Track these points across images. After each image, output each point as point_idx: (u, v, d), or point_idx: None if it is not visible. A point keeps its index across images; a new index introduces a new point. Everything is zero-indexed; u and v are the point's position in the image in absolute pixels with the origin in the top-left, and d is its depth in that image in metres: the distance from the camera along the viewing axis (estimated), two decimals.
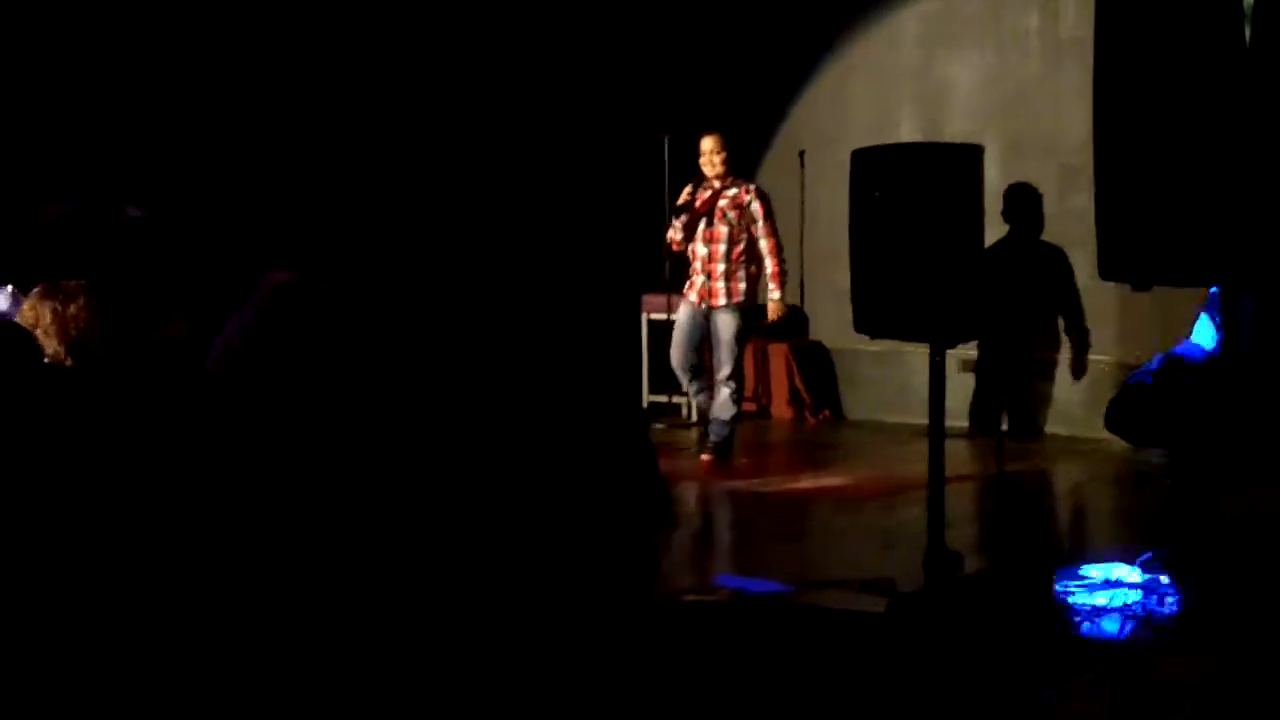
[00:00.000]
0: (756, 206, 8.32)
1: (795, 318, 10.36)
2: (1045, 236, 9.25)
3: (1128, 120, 4.26)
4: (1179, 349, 7.06)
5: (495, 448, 3.10)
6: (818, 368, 10.28)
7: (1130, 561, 4.88)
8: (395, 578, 2.17)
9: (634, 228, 9.82)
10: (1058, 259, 9.17)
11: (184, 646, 2.04)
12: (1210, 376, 5.77)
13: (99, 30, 7.96)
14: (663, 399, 10.15)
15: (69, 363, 4.40)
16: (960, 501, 6.80)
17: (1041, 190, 9.24)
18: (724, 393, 8.34)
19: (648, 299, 10.05)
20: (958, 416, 9.07)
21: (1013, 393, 9.39)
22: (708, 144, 8.40)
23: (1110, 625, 4.48)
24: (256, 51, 8.44)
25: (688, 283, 8.52)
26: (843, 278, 5.30)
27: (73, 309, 4.47)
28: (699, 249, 8.39)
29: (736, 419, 8.44)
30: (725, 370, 8.32)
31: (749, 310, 8.39)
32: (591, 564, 3.16)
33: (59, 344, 4.38)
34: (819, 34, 10.40)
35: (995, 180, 9.31)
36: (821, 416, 10.12)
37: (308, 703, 2.06)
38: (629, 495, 3.71)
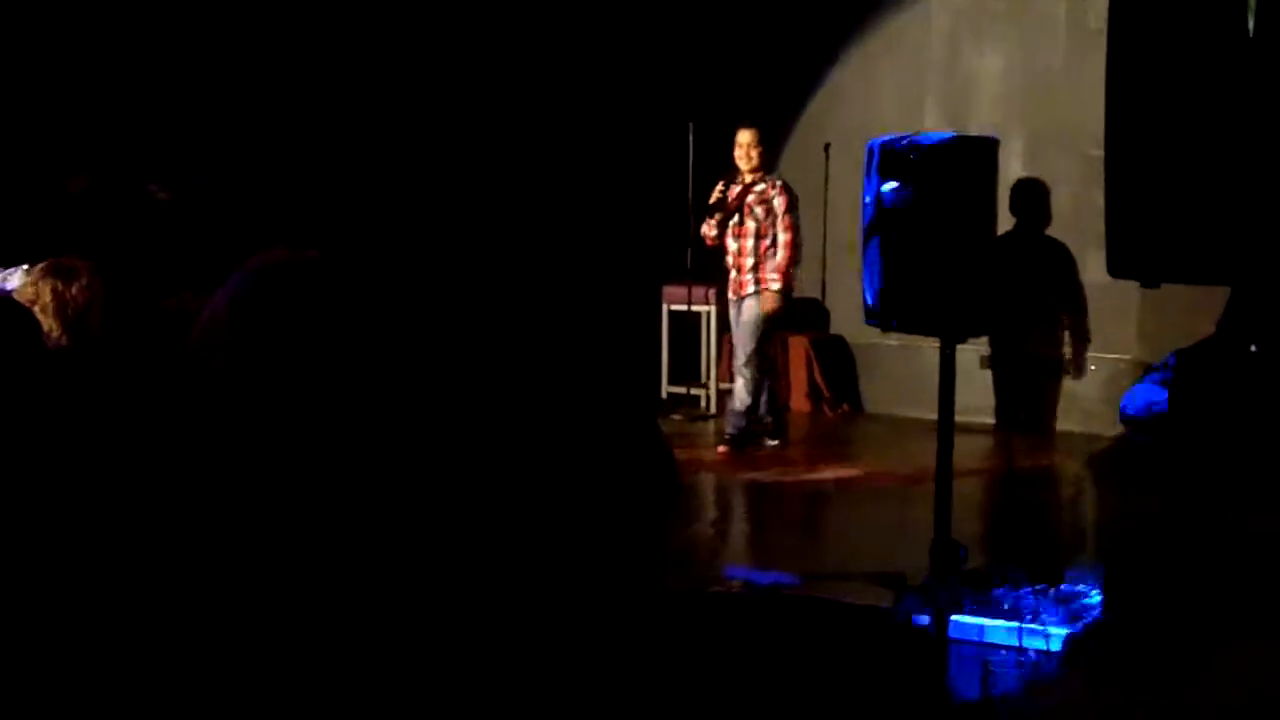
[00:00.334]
0: (779, 201, 8.37)
1: (815, 311, 10.37)
2: (1066, 231, 9.20)
3: (1140, 118, 4.25)
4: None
5: (500, 435, 3.10)
6: (837, 361, 10.27)
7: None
8: (394, 568, 2.17)
9: (657, 217, 9.83)
10: (1063, 254, 9.12)
11: (183, 635, 2.05)
12: (1228, 380, 5.76)
13: (124, 12, 7.99)
14: (681, 390, 10.16)
15: (65, 341, 4.41)
16: (971, 495, 6.81)
17: (1064, 184, 9.20)
18: (738, 381, 8.38)
19: (669, 290, 10.04)
20: (982, 413, 9.09)
21: (1030, 389, 9.37)
22: (746, 137, 8.46)
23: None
24: (283, 33, 8.47)
25: (729, 282, 8.59)
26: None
27: (75, 289, 4.49)
28: (730, 244, 8.49)
29: (756, 408, 8.46)
30: (740, 356, 8.37)
31: (775, 298, 8.43)
32: (599, 553, 3.15)
33: (55, 322, 4.39)
34: (845, 25, 10.38)
35: (1017, 173, 9.31)
36: (840, 410, 10.12)
37: (303, 694, 2.07)
38: (638, 482, 3.71)
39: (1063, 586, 4.39)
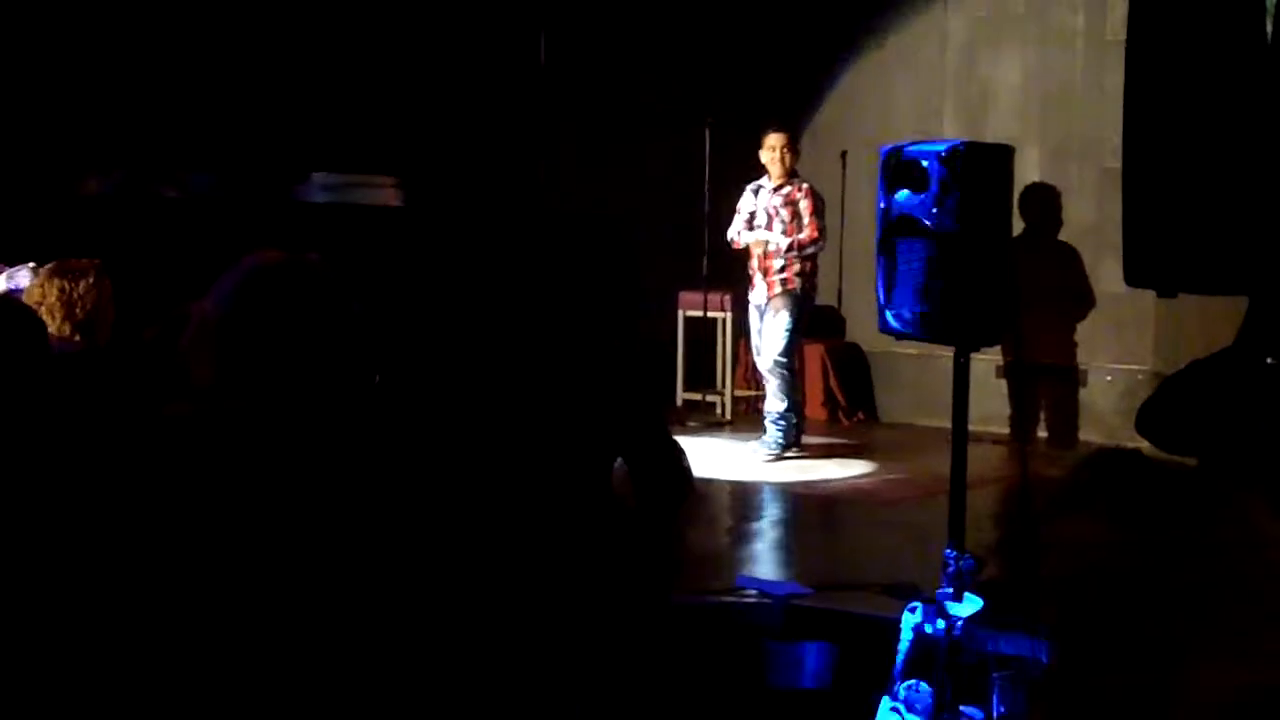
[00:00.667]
0: (806, 203, 8.42)
1: (831, 319, 10.34)
2: (1083, 242, 9.16)
3: (1158, 127, 4.21)
4: None
5: (505, 441, 3.06)
6: (853, 369, 10.24)
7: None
8: (392, 576, 2.13)
9: (673, 221, 9.82)
10: (1096, 263, 9.07)
11: (181, 629, 2.02)
12: (1245, 385, 5.70)
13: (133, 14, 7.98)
14: (697, 397, 10.13)
15: (78, 340, 4.39)
16: (984, 506, 6.75)
17: (1082, 194, 9.16)
18: (773, 383, 8.38)
19: (684, 295, 10.02)
20: (997, 422, 9.05)
21: (1047, 399, 9.33)
22: (777, 140, 8.48)
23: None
24: (286, 33, 8.47)
25: (750, 286, 8.58)
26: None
27: (81, 288, 4.47)
28: (755, 247, 8.47)
29: (791, 412, 8.43)
30: (771, 359, 8.38)
31: (802, 300, 8.43)
32: (606, 559, 3.11)
33: (63, 322, 4.37)
34: (862, 33, 10.36)
35: (1037, 182, 9.27)
36: (856, 418, 10.08)
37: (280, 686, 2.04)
38: (650, 488, 3.67)
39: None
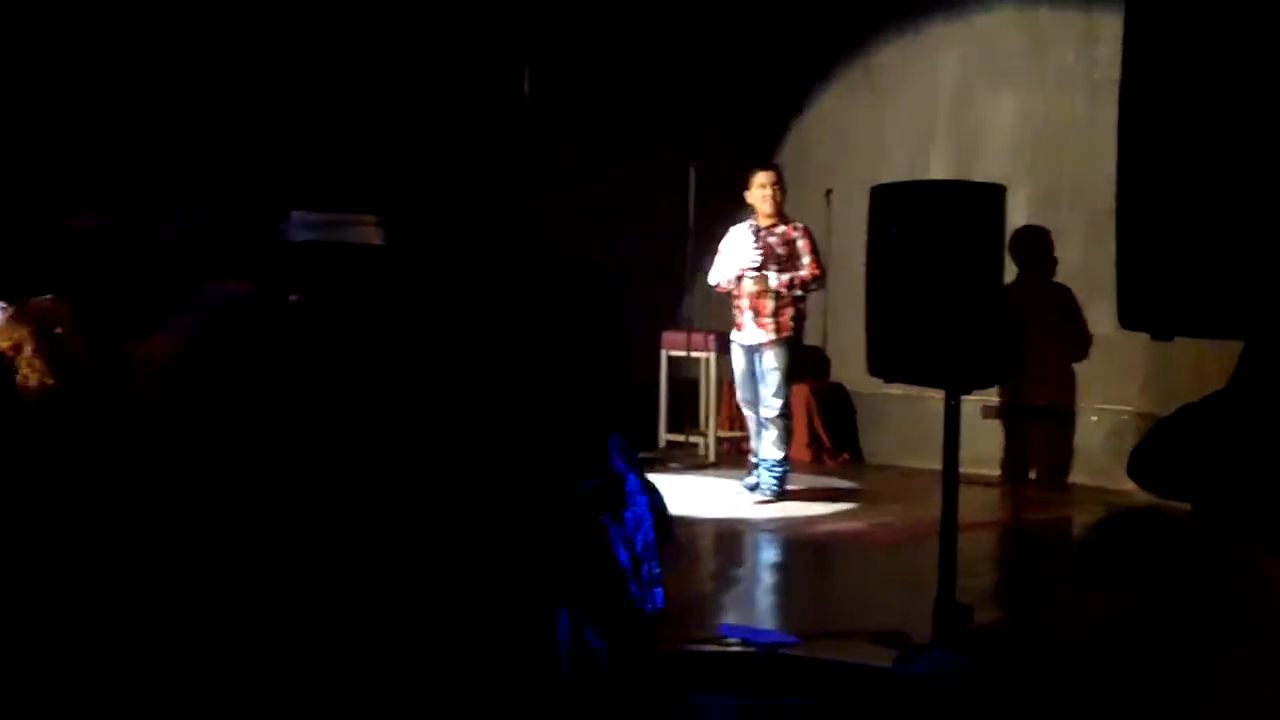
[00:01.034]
0: (803, 243, 8.27)
1: (817, 359, 10.24)
2: (1074, 283, 9.08)
3: (1152, 167, 4.10)
4: None
5: (476, 480, 2.95)
6: (838, 410, 10.14)
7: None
8: (356, 610, 2.02)
9: (657, 261, 9.73)
10: (1085, 304, 9.00)
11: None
12: (1238, 429, 5.58)
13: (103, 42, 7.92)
14: (680, 438, 10.02)
15: (52, 384, 4.25)
16: (977, 549, 6.64)
17: (1071, 235, 9.09)
18: (773, 432, 8.27)
19: (667, 336, 9.93)
20: (987, 464, 8.94)
21: (1037, 441, 9.23)
22: (766, 178, 8.34)
23: None
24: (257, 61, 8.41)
25: (735, 324, 8.42)
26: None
27: (58, 330, 4.31)
28: (746, 285, 8.29)
29: (788, 459, 8.35)
30: (774, 408, 8.25)
31: (796, 346, 8.31)
32: (585, 607, 2.99)
33: (41, 365, 4.22)
34: (852, 71, 10.29)
35: (1023, 224, 9.20)
36: (841, 459, 9.97)
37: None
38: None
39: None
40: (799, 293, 8.24)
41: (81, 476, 2.15)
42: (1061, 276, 9.15)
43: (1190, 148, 3.76)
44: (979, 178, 8.42)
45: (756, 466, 8.45)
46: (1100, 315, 8.85)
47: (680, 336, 9.75)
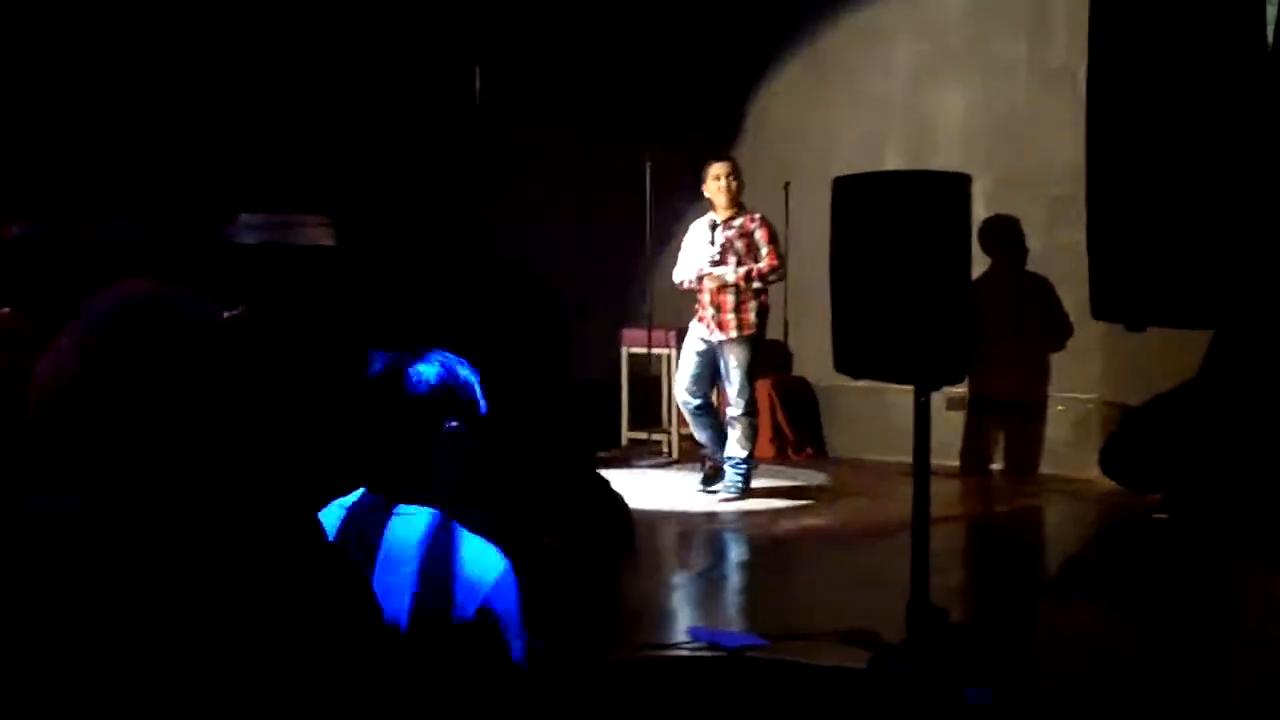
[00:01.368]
0: (761, 234, 8.16)
1: (778, 353, 10.15)
2: (1034, 271, 9.03)
3: (1122, 153, 4.02)
4: None
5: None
6: (801, 404, 10.06)
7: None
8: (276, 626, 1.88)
9: (615, 257, 9.64)
10: (1044, 292, 8.94)
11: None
12: (1212, 420, 5.53)
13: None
14: (642, 435, 9.92)
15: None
16: (946, 544, 6.57)
17: (1030, 224, 9.04)
18: (737, 430, 8.16)
19: (627, 332, 9.83)
20: (947, 455, 8.88)
21: (1000, 431, 9.17)
22: (721, 169, 8.22)
23: None
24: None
25: (696, 315, 8.30)
26: (827, 313, 5.08)
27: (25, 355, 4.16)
28: (707, 282, 8.17)
29: (752, 457, 8.25)
30: (739, 406, 8.13)
31: (760, 342, 8.21)
32: (545, 613, 2.87)
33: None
34: (806, 63, 10.23)
35: (982, 214, 9.14)
36: (805, 454, 9.90)
37: None
38: (588, 533, 3.46)
39: None
40: (758, 284, 8.13)
41: None
42: (1021, 265, 9.10)
43: (1158, 137, 3.69)
44: (935, 168, 8.36)
45: (705, 462, 8.36)
46: (1061, 302, 8.81)
47: (640, 333, 9.65)
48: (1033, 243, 9.04)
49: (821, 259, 4.86)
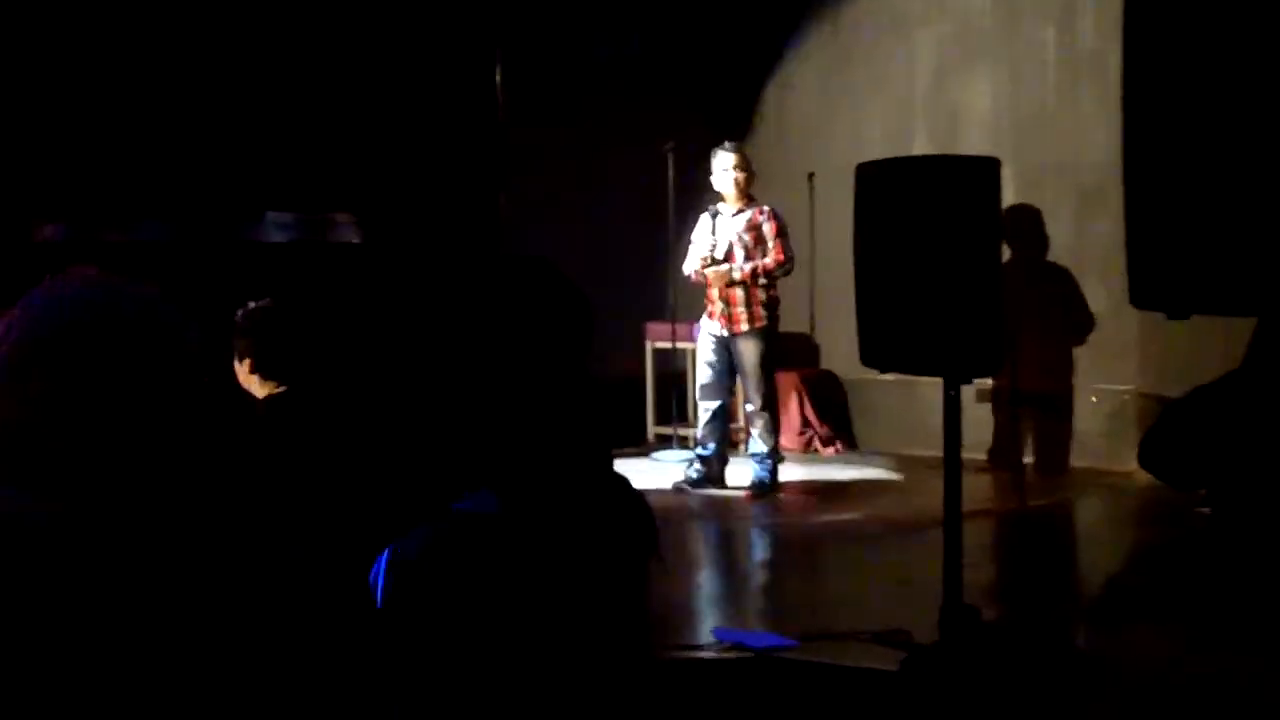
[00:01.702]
0: (769, 227, 7.99)
1: (805, 346, 10.02)
2: (1064, 262, 8.86)
3: (1161, 132, 3.87)
4: None
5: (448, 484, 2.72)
6: (829, 398, 9.92)
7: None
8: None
9: (638, 251, 9.51)
10: (1075, 282, 8.76)
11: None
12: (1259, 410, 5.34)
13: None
14: (668, 431, 9.78)
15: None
16: (979, 540, 6.43)
17: (1060, 214, 8.87)
18: (758, 424, 8.02)
19: (651, 327, 9.70)
20: (976, 449, 8.72)
21: (1033, 424, 8.99)
22: (728, 160, 8.06)
23: None
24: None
25: (706, 310, 8.16)
26: (854, 305, 4.95)
27: None
28: (711, 276, 8.02)
29: (776, 451, 8.09)
30: (756, 401, 7.99)
31: (773, 334, 8.06)
32: (574, 615, 2.74)
33: None
34: (829, 51, 10.08)
35: (1011, 203, 8.98)
36: (833, 448, 9.75)
37: None
38: (611, 533, 3.33)
39: None
40: (764, 281, 7.97)
41: None
42: (1051, 256, 8.93)
43: (1198, 118, 3.55)
44: None
45: (700, 459, 8.19)
46: (1092, 294, 8.63)
47: (665, 328, 9.50)
48: (1063, 232, 8.87)
49: (847, 251, 4.73)
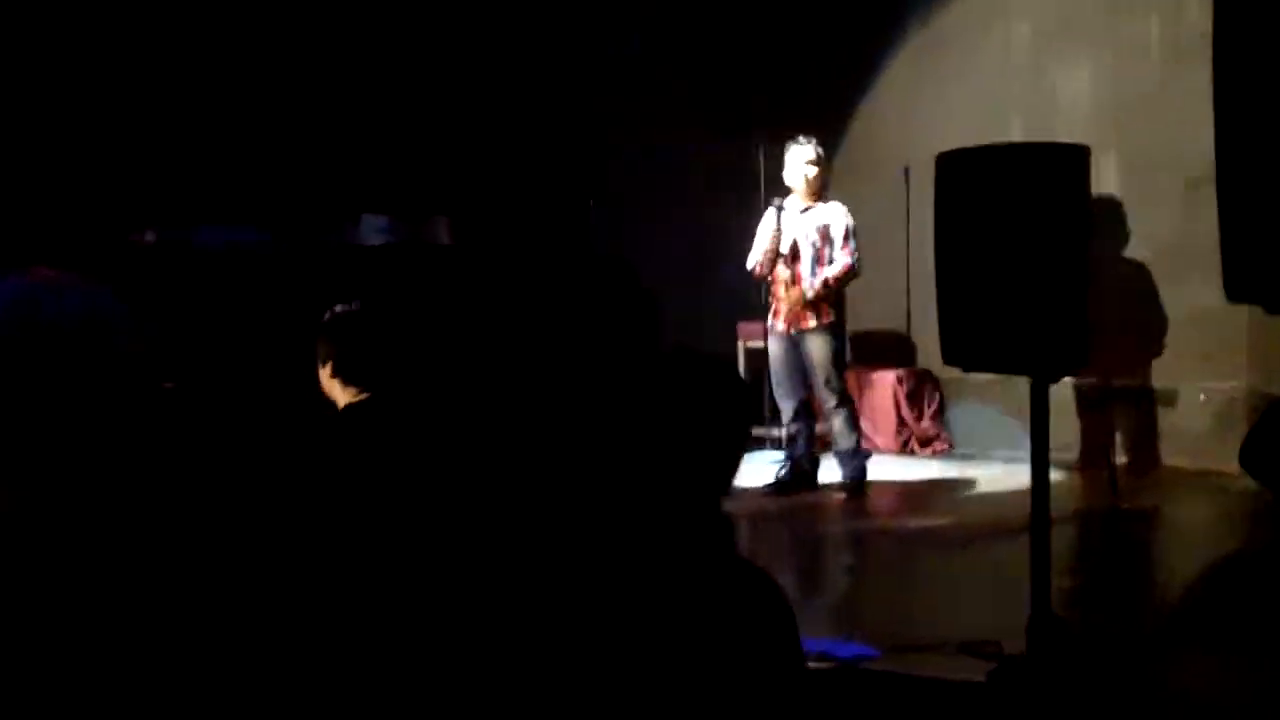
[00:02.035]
0: (839, 228, 7.80)
1: (901, 344, 9.83)
2: (1168, 255, 8.57)
3: (1253, 127, 3.66)
4: None
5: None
6: (926, 396, 9.71)
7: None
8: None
9: (731, 249, 9.37)
10: (1179, 275, 8.47)
11: None
12: None
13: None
14: (761, 432, 9.61)
15: None
16: (1070, 545, 6.20)
17: (1164, 205, 8.58)
18: (837, 422, 7.84)
19: (743, 326, 9.54)
20: (1072, 449, 8.48)
21: (1128, 423, 8.71)
22: (804, 154, 7.89)
23: None
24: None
25: (771, 311, 7.98)
26: None
27: None
28: (780, 272, 7.89)
29: (860, 447, 7.91)
30: (830, 399, 7.81)
31: (842, 329, 7.89)
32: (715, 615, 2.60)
33: None
34: (921, 41, 9.87)
35: (1114, 194, 8.74)
36: (931, 448, 9.54)
37: None
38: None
39: None
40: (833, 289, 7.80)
41: None
42: (1154, 249, 8.67)
43: None
44: None
45: (789, 459, 8.00)
46: (1200, 288, 8.31)
47: (757, 327, 9.31)
48: (1168, 225, 8.59)
49: None
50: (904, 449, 9.52)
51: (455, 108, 8.78)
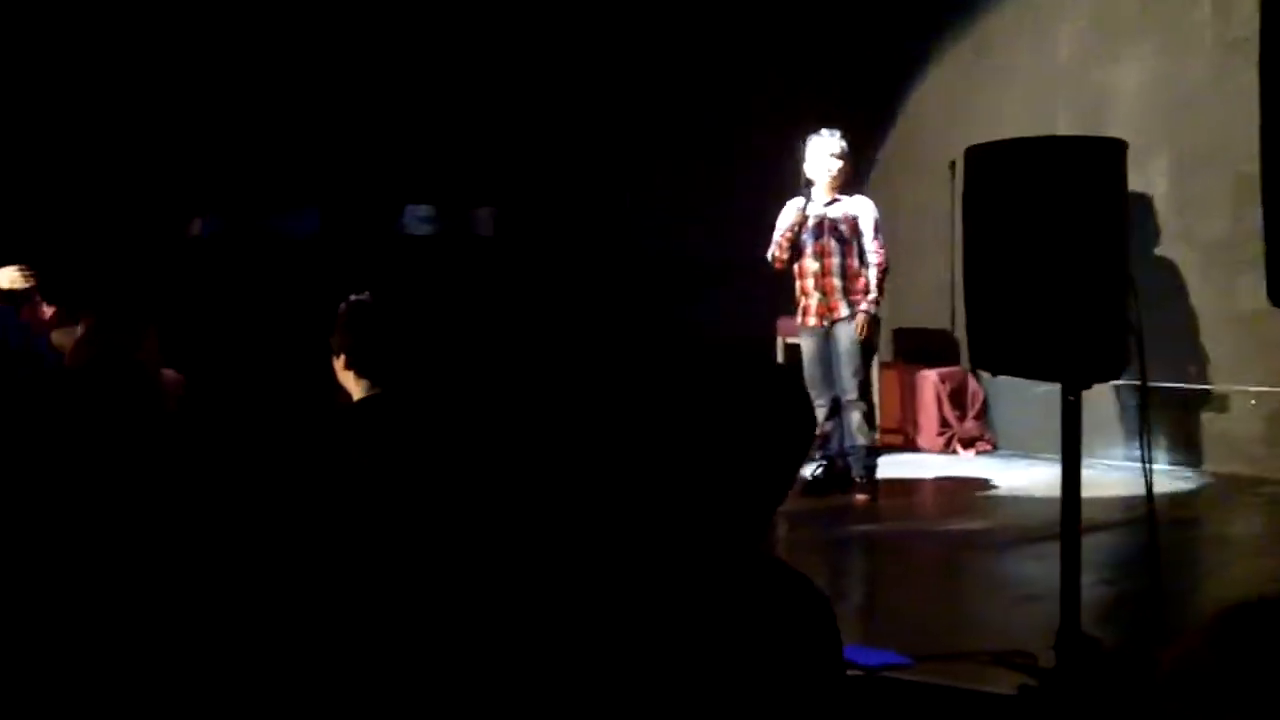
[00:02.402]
0: (867, 222, 7.62)
1: (945, 343, 9.66)
2: (1218, 254, 8.38)
3: None
4: None
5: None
6: (969, 397, 9.55)
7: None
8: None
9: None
10: (1229, 275, 8.26)
11: None
12: None
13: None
14: None
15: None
16: (1107, 553, 6.03)
17: (1214, 203, 8.38)
18: (854, 417, 7.62)
19: (782, 322, 9.40)
20: (1118, 452, 8.31)
21: (1170, 426, 8.50)
22: (830, 145, 7.71)
23: None
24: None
25: (800, 307, 7.81)
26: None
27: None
28: (809, 264, 7.71)
29: (874, 446, 7.71)
30: (851, 391, 7.59)
31: (875, 321, 7.70)
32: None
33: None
34: (967, 35, 9.70)
35: (1164, 191, 8.56)
36: (974, 449, 9.38)
37: None
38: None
39: None
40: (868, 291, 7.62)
41: None
42: (1204, 248, 8.47)
43: None
44: None
45: (824, 458, 7.82)
46: (1249, 289, 8.12)
47: (795, 323, 9.21)
48: (1218, 224, 8.40)
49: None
50: (947, 448, 9.36)
51: (497, 99, 8.72)
